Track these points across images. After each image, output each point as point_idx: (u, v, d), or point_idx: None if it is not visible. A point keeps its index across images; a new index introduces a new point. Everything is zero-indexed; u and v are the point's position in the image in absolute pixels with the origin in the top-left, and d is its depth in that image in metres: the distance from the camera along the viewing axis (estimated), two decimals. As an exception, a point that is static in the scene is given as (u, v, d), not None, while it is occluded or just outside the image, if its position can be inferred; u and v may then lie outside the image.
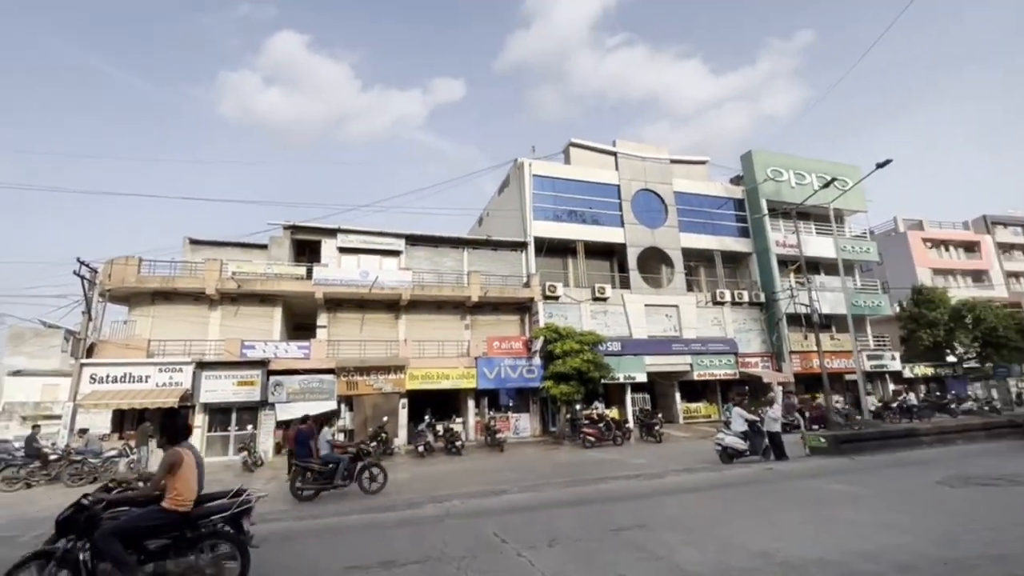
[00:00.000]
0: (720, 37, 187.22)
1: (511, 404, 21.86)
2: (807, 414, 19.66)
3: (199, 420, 16.85)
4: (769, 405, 13.19)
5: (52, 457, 13.65)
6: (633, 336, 23.51)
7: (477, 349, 20.73)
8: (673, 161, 27.72)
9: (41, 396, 29.33)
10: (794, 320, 25.30)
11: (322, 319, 20.06)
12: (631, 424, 20.20)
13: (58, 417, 18.06)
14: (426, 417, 18.10)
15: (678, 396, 24.34)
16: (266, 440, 17.25)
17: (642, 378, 22.92)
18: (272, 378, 17.61)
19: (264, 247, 21.03)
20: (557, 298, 22.79)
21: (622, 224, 25.34)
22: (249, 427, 17.28)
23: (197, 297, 18.50)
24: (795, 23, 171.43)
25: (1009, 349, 26.85)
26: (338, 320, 20.49)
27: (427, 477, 12.31)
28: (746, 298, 26.19)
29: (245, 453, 14.83)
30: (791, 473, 10.38)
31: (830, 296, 26.00)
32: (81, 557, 4.12)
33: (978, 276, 43.05)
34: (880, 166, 17.52)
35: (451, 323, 22.02)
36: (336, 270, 20.18)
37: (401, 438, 18.58)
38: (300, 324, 21.32)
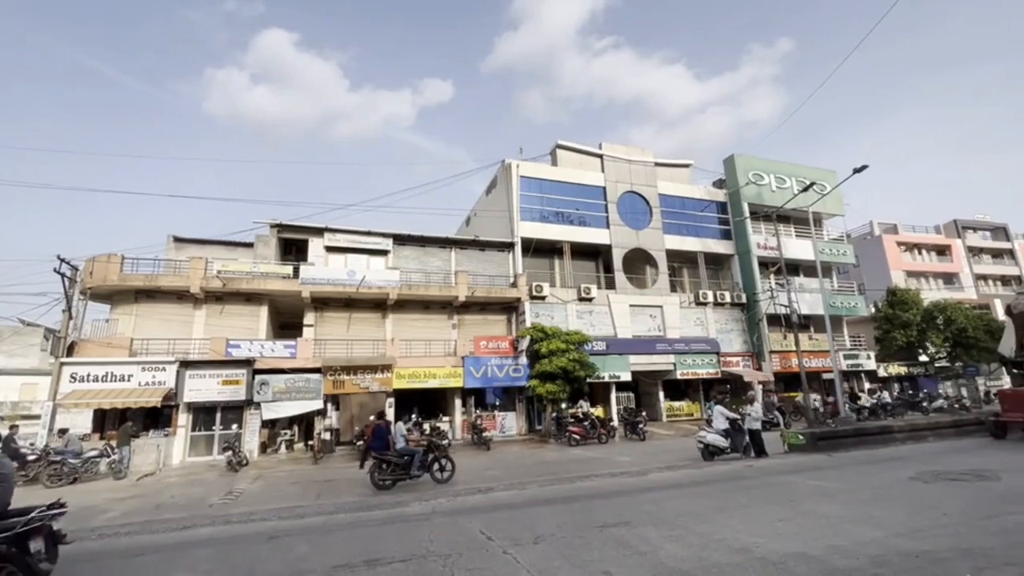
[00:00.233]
0: (704, 43, 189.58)
1: (497, 403, 22.02)
2: (822, 409, 21.62)
3: (183, 419, 16.71)
4: (750, 403, 13.54)
5: (30, 458, 13.44)
6: (618, 336, 23.83)
7: (464, 348, 20.83)
8: (658, 164, 28.13)
9: (20, 396, 28.73)
10: (774, 320, 25.88)
11: (309, 318, 19.97)
12: (616, 422, 20.48)
13: (37, 417, 17.73)
14: (413, 416, 18.16)
15: (662, 395, 24.73)
16: (251, 439, 17.15)
17: (627, 377, 23.25)
18: (258, 377, 17.50)
19: (250, 246, 20.85)
20: (543, 298, 23.00)
21: (608, 225, 25.65)
22: (234, 426, 17.15)
23: (181, 296, 18.29)
24: (776, 31, 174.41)
25: (978, 349, 27.80)
26: (325, 319, 20.41)
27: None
28: (728, 299, 26.71)
29: (230, 453, 14.74)
30: (771, 469, 10.69)
31: (808, 297, 26.69)
32: None
33: (949, 278, 44.43)
34: (857, 171, 18.03)
35: (438, 322, 22.08)
36: (323, 269, 20.09)
37: (387, 437, 18.57)
38: (286, 323, 21.19)
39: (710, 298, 26.34)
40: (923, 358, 29.89)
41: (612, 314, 24.20)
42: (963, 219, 47.74)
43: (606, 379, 22.39)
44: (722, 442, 12.39)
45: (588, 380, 20.24)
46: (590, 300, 23.93)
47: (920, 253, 45.04)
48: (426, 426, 18.10)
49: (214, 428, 17.26)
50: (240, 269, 18.92)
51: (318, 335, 19.84)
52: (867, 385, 28.84)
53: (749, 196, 28.12)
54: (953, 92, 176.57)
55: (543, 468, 12.67)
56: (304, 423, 19.26)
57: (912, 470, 9.54)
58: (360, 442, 16.05)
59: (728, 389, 25.52)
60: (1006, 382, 25.24)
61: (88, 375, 15.92)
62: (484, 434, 17.73)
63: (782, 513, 6.80)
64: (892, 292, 30.59)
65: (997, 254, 48.15)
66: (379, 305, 21.01)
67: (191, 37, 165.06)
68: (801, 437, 13.44)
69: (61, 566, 5.88)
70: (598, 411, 21.85)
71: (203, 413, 17.28)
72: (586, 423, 17.97)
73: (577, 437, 17.23)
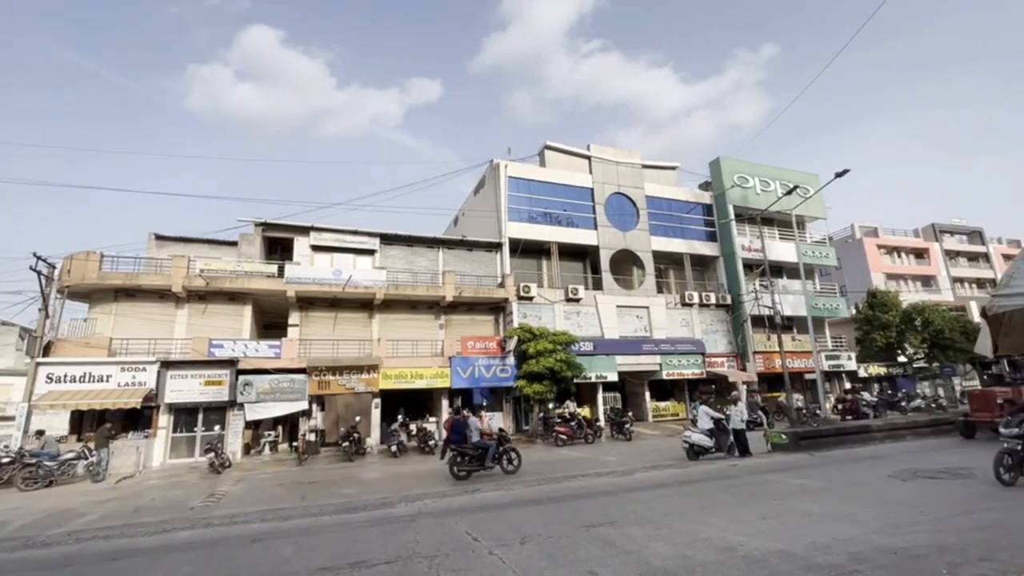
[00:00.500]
0: (691, 47, 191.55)
1: (485, 403, 21.97)
2: (843, 406, 23.43)
3: (163, 421, 16.40)
4: (733, 404, 13.71)
5: (4, 460, 13.10)
6: (605, 336, 23.95)
7: (451, 349, 20.76)
8: (645, 166, 28.34)
9: (-7, 397, 27.88)
10: (758, 321, 26.22)
11: (294, 318, 19.74)
12: (602, 422, 20.60)
13: (12, 419, 17.27)
14: (399, 417, 18.07)
15: (648, 395, 24.91)
16: (234, 441, 16.89)
17: (613, 377, 23.38)
18: (241, 378, 17.24)
19: (234, 244, 20.55)
20: (531, 298, 23.02)
21: (595, 226, 25.77)
22: (217, 428, 16.86)
23: (163, 295, 17.96)
24: (761, 36, 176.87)
25: (954, 350, 28.46)
26: (310, 319, 20.20)
27: (400, 476, 12.35)
28: (713, 300, 27.01)
29: (212, 454, 14.51)
30: (754, 469, 10.84)
31: (792, 299, 27.13)
32: None
33: (927, 281, 45.49)
34: (838, 175, 18.40)
35: (425, 323, 21.97)
36: (309, 268, 19.87)
37: (374, 438, 18.47)
38: (271, 323, 20.93)
39: (696, 299, 26.60)
40: (902, 359, 30.51)
41: (599, 315, 24.31)
42: (940, 223, 48.92)
43: (593, 379, 22.49)
44: (707, 442, 12.53)
45: (575, 380, 20.32)
46: (577, 301, 24.02)
47: (899, 256, 46.04)
48: (412, 427, 18.02)
49: (196, 429, 16.96)
50: (224, 268, 18.63)
51: (303, 335, 19.62)
52: (847, 385, 29.35)
53: (734, 198, 28.47)
54: (933, 97, 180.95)
55: (530, 468, 12.67)
56: (289, 424, 19.05)
57: (890, 468, 9.74)
58: (346, 443, 15.99)
59: (713, 389, 25.79)
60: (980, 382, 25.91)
61: (65, 375, 15.55)
62: (471, 435, 17.67)
63: (765, 511, 6.89)
64: (872, 294, 31.18)
65: (973, 257, 49.39)
66: (366, 305, 20.85)
67: (174, 32, 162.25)
68: (784, 437, 13.64)
69: (35, 571, 5.73)
70: (585, 411, 21.93)
71: (185, 414, 16.98)
72: (573, 423, 18.03)
73: (564, 437, 17.29)
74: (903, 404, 25.66)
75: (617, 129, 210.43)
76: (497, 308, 23.14)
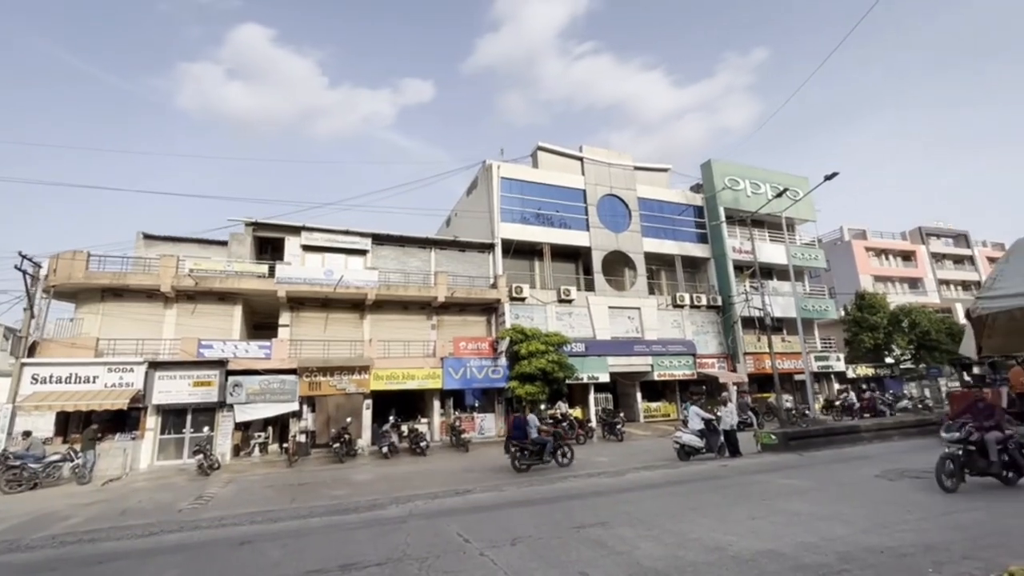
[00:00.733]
0: (682, 50, 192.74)
1: (477, 404, 21.96)
2: (860, 404, 24.13)
3: (151, 422, 16.21)
4: (723, 405, 13.81)
5: (-12, 462, 12.85)
6: (597, 337, 24.01)
7: (443, 349, 20.72)
8: (637, 168, 28.48)
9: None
10: (748, 323, 26.42)
11: (284, 318, 19.60)
12: (594, 423, 20.67)
13: (-6, 420, 16.94)
14: (391, 418, 17.99)
15: (639, 396, 25.01)
16: (224, 442, 16.73)
17: (605, 378, 23.44)
18: (231, 378, 17.08)
19: (224, 244, 20.37)
20: (523, 299, 23.03)
21: (587, 228, 25.84)
22: (205, 429, 16.70)
23: (151, 295, 17.75)
24: (752, 40, 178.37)
25: (940, 351, 28.88)
26: (301, 319, 20.07)
27: (391, 478, 12.29)
28: (704, 301, 27.18)
29: (201, 456, 14.35)
30: (744, 469, 10.93)
31: (781, 300, 27.37)
32: None
33: (914, 283, 46.10)
34: (828, 178, 18.60)
35: (417, 323, 21.91)
36: (300, 268, 19.74)
37: (365, 439, 18.37)
38: (261, 323, 20.75)
39: (687, 300, 26.76)
40: (889, 360, 30.91)
41: (591, 316, 24.38)
42: (927, 226, 49.63)
43: (585, 380, 22.54)
44: (697, 442, 12.61)
45: (567, 381, 20.36)
46: (570, 302, 24.07)
47: (887, 258, 46.62)
48: (404, 428, 17.95)
49: (184, 431, 16.78)
50: (213, 268, 18.46)
51: (294, 336, 19.49)
52: (836, 386, 29.67)
53: (725, 201, 28.68)
54: (922, 101, 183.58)
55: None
56: (279, 425, 18.90)
57: (878, 468, 9.86)
58: (337, 444, 15.90)
59: (704, 390, 25.95)
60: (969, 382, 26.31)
61: (51, 376, 15.31)
62: (463, 436, 17.66)
63: (755, 511, 6.95)
64: (860, 296, 31.56)
65: (958, 260, 50.15)
66: (357, 305, 20.76)
67: (163, 30, 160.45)
68: (773, 437, 13.76)
69: (18, 575, 5.65)
70: (577, 412, 21.98)
71: (173, 415, 16.79)
72: (565, 424, 18.04)
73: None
74: (891, 404, 25.87)
75: (609, 131, 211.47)
76: (489, 309, 23.12)
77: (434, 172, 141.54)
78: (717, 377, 25.15)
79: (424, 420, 20.13)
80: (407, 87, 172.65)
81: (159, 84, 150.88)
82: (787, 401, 23.76)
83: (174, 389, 16.37)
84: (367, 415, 19.05)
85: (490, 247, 23.92)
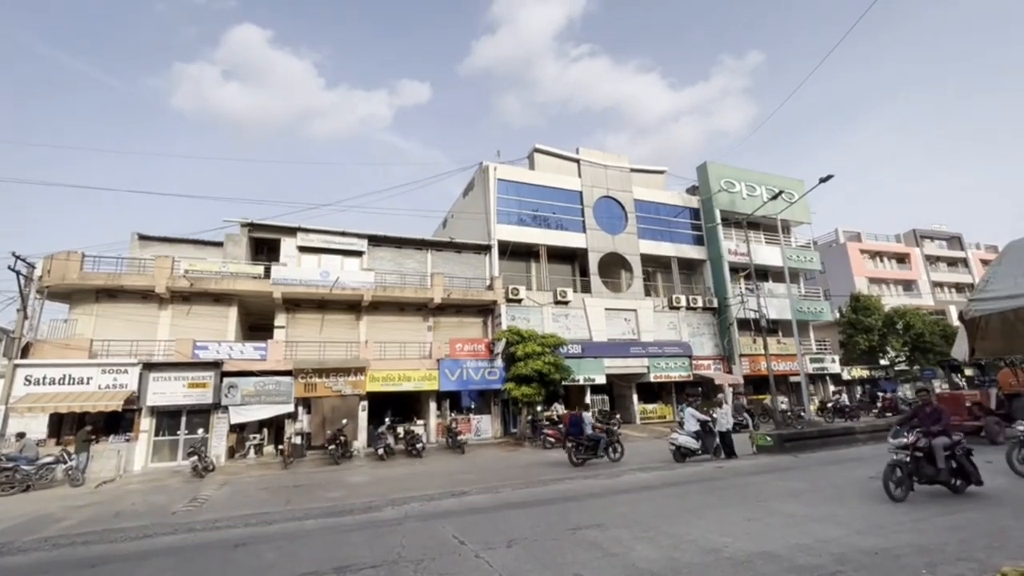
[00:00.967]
0: (677, 53, 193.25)
1: (473, 406, 21.93)
2: (882, 404, 24.85)
3: (145, 424, 16.13)
4: (718, 406, 13.86)
5: (-20, 465, 12.74)
6: (593, 339, 24.05)
7: (439, 351, 20.70)
8: (633, 170, 28.56)
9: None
10: (744, 325, 26.53)
11: (280, 319, 19.54)
12: (590, 425, 20.62)
13: (-13, 422, 16.81)
14: (386, 419, 17.96)
15: (635, 397, 25.05)
16: (218, 444, 16.65)
17: (601, 380, 23.47)
18: (226, 380, 17.02)
19: (219, 245, 20.30)
20: (520, 301, 23.04)
21: (584, 229, 25.90)
22: (200, 431, 16.62)
23: (146, 295, 17.67)
24: (747, 43, 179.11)
25: (934, 353, 29.08)
26: (297, 321, 20.01)
27: (387, 480, 12.26)
28: (700, 303, 27.27)
29: (195, 458, 14.27)
30: (740, 470, 10.95)
31: (777, 302, 27.47)
32: None
33: (908, 285, 46.35)
34: (823, 181, 18.66)
35: (413, 325, 21.88)
36: (296, 270, 19.69)
37: (361, 441, 18.33)
38: (257, 325, 20.68)
39: (683, 302, 26.83)
40: (884, 362, 31.09)
41: (587, 317, 24.41)
42: (921, 228, 49.94)
43: (581, 382, 22.55)
44: (693, 444, 12.63)
45: (563, 383, 20.37)
46: (566, 303, 24.10)
47: (882, 261, 46.86)
48: (400, 429, 17.92)
49: (179, 432, 16.69)
50: (209, 269, 18.39)
51: (289, 337, 19.43)
52: (831, 388, 29.81)
53: (721, 203, 28.81)
54: (917, 103, 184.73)
55: (517, 471, 12.69)
56: (274, 427, 18.83)
57: (872, 469, 9.87)
58: (332, 446, 15.86)
59: (700, 392, 25.96)
60: (961, 384, 26.48)
61: (44, 378, 15.21)
62: (459, 437, 17.63)
63: (750, 513, 6.97)
64: (855, 298, 31.74)
65: (952, 263, 50.46)
66: (353, 307, 20.71)
67: (159, 30, 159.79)
68: (769, 439, 13.80)
69: (10, 579, 5.60)
70: (573, 414, 21.97)
71: (167, 417, 16.70)
72: (561, 426, 18.05)
73: (552, 440, 17.28)
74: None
75: (606, 133, 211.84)
76: (485, 310, 23.12)
77: (431, 173, 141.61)
78: (713, 379, 25.22)
79: (420, 422, 20.11)
80: (404, 89, 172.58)
81: (155, 84, 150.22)
82: (782, 403, 23.87)
83: (168, 390, 16.28)
84: (363, 417, 19.00)
85: (486, 248, 23.92)
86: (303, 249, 20.84)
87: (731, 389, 24.92)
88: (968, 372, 26.92)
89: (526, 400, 19.36)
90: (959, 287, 48.56)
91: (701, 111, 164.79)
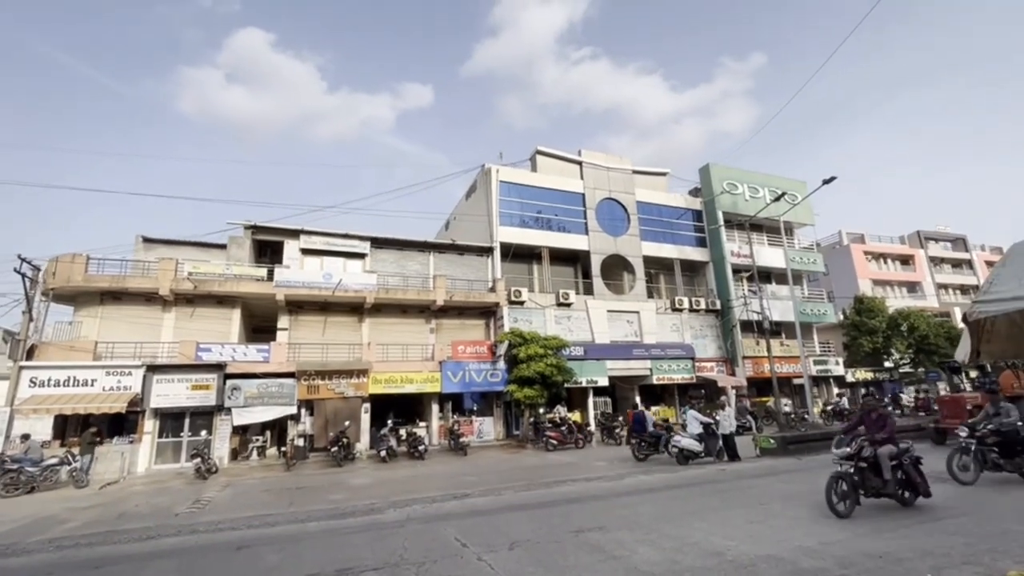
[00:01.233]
0: (679, 55, 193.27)
1: (475, 408, 21.93)
2: (916, 404, 25.20)
3: (149, 426, 16.18)
4: (721, 409, 13.83)
5: (-15, 466, 12.80)
6: (596, 341, 24.01)
7: (442, 353, 20.70)
8: (635, 172, 28.53)
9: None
10: (747, 327, 26.43)
11: (283, 322, 19.59)
12: (593, 427, 20.63)
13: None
14: (389, 421, 17.97)
15: (638, 399, 24.96)
16: (221, 446, 16.68)
17: (604, 382, 23.41)
18: (229, 382, 17.06)
19: (223, 247, 20.37)
20: (522, 303, 23.04)
21: (586, 231, 25.88)
22: (203, 432, 16.66)
23: (149, 298, 17.74)
24: (749, 45, 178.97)
25: (939, 355, 28.93)
26: (299, 323, 20.05)
27: (389, 482, 12.26)
28: (703, 305, 27.19)
29: (198, 460, 14.31)
30: (743, 473, 10.92)
31: (780, 304, 27.36)
32: None
33: (912, 287, 46.16)
34: (826, 182, 18.65)
35: (416, 327, 21.90)
36: (298, 272, 19.75)
37: (363, 443, 18.34)
38: (260, 327, 20.74)
39: (686, 304, 26.76)
40: (888, 364, 30.95)
41: (590, 319, 24.38)
42: (925, 230, 49.75)
43: (583, 384, 22.51)
44: (696, 446, 12.60)
45: (566, 385, 20.35)
46: (568, 305, 24.08)
47: (885, 262, 46.71)
48: (402, 431, 17.92)
49: (182, 434, 16.74)
50: (212, 271, 18.46)
51: (292, 339, 19.47)
52: (835, 390, 29.68)
53: (724, 205, 28.75)
54: (921, 104, 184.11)
55: (520, 473, 12.68)
56: (277, 429, 18.86)
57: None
58: (335, 448, 15.88)
59: (703, 394, 25.91)
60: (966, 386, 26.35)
61: (49, 379, 15.29)
62: (461, 439, 17.62)
63: (753, 516, 6.94)
64: (859, 300, 31.63)
65: (957, 264, 50.26)
66: (356, 309, 20.75)
67: (162, 33, 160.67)
68: (772, 441, 13.75)
69: (15, 580, 5.62)
70: (575, 416, 21.91)
71: (171, 419, 16.76)
72: (563, 428, 18.04)
73: (554, 442, 17.29)
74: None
75: (607, 135, 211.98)
76: (488, 312, 23.13)
77: (433, 176, 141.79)
78: (716, 381, 25.14)
79: (422, 424, 20.10)
80: (406, 91, 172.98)
81: (159, 88, 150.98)
82: (786, 405, 23.77)
83: (172, 392, 16.34)
84: (365, 419, 19.02)
85: (489, 251, 23.94)
86: (306, 251, 20.90)
87: (734, 391, 24.83)
88: (973, 374, 26.77)
89: (528, 402, 19.35)
90: (964, 289, 48.36)
91: (703, 113, 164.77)
